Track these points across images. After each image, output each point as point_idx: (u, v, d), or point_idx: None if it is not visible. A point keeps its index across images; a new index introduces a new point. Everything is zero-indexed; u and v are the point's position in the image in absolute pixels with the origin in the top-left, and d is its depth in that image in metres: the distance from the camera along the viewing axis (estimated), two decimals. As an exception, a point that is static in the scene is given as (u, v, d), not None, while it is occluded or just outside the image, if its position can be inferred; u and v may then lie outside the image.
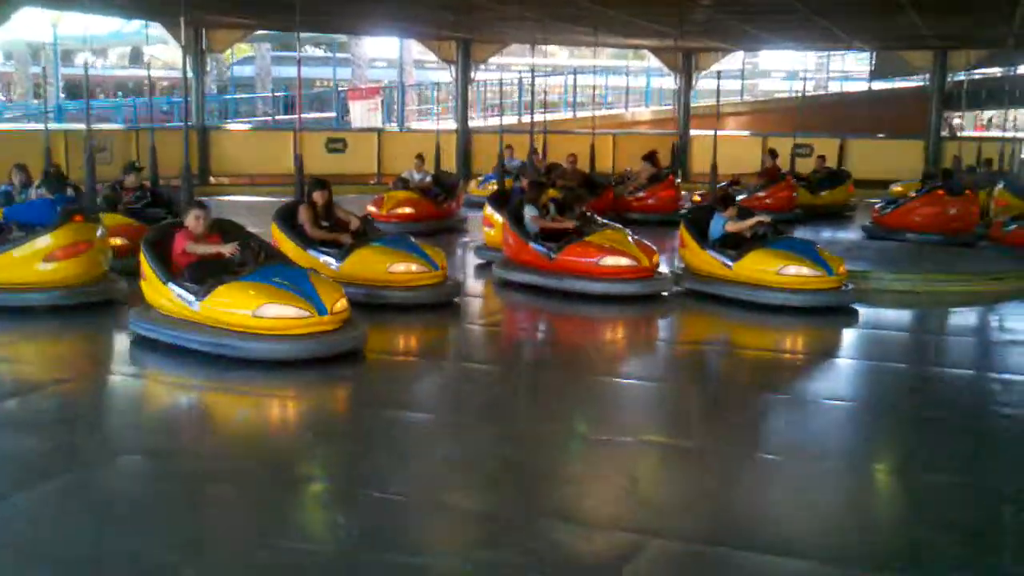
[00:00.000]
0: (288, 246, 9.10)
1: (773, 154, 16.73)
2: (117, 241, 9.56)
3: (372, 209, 13.55)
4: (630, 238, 9.87)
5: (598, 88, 28.18)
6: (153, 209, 11.13)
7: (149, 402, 6.79)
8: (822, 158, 18.37)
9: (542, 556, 4.28)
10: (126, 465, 5.35)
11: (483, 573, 4.21)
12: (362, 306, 8.29)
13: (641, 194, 15.49)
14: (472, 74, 21.91)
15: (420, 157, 15.39)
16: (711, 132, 15.59)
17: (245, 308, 7.03)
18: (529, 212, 10.14)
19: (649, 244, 9.93)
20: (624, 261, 9.56)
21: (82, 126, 19.66)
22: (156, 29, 18.99)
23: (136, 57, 43.13)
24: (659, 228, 13.67)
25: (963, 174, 15.78)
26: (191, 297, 7.25)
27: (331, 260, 9.02)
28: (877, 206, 14.82)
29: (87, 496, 4.91)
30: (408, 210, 13.75)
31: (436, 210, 14.19)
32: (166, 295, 7.45)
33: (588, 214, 10.49)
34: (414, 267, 9.00)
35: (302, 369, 7.06)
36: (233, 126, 24.78)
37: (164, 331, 7.40)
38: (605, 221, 10.54)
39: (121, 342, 8.00)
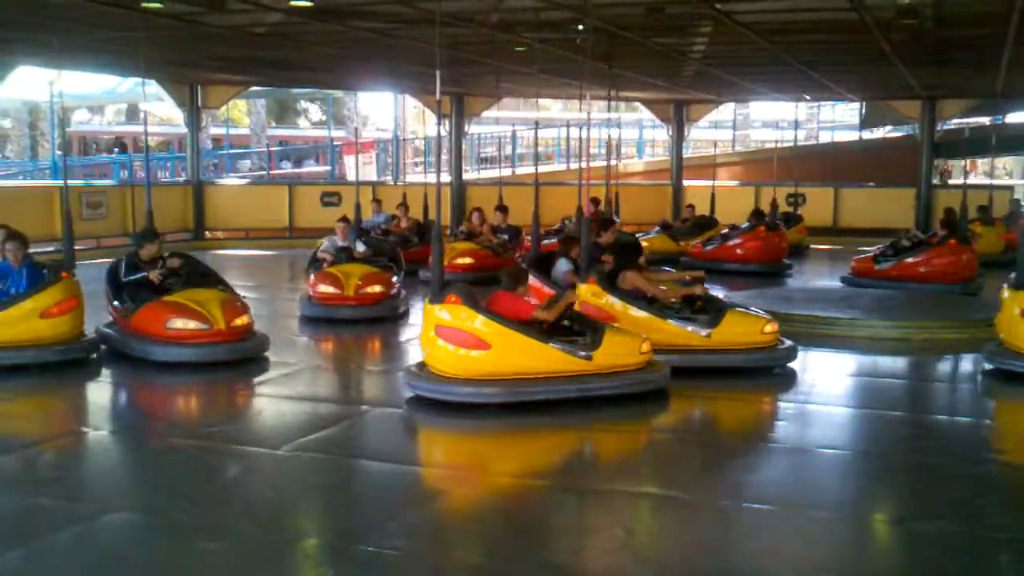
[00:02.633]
0: (629, 314, 8.59)
1: (595, 202, 17.33)
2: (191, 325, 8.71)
3: (330, 289, 11.21)
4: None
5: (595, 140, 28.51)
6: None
7: (139, 458, 6.74)
8: (691, 207, 19.07)
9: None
10: (114, 522, 5.30)
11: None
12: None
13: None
14: (466, 127, 22.11)
15: (346, 220, 12.67)
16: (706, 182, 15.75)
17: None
18: (563, 266, 9.93)
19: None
20: None
21: (79, 182, 19.87)
22: (152, 87, 19.20)
23: (132, 113, 43.40)
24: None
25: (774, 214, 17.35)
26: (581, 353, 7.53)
27: (700, 328, 8.58)
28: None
29: (75, 555, 4.85)
30: (378, 288, 11.38)
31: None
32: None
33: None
34: (776, 327, 8.81)
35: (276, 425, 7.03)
36: (228, 180, 24.90)
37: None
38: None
39: (107, 397, 8.00)
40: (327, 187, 22.05)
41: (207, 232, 20.37)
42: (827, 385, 8.65)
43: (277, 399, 8.01)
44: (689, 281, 9.35)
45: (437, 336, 7.48)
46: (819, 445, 6.85)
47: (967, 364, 9.68)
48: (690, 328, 8.53)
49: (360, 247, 12.23)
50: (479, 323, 7.36)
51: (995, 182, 20.14)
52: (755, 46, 12.37)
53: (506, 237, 15.34)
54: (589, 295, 8.64)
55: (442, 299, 7.48)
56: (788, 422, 7.63)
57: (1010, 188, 23.71)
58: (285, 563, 4.82)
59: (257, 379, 8.63)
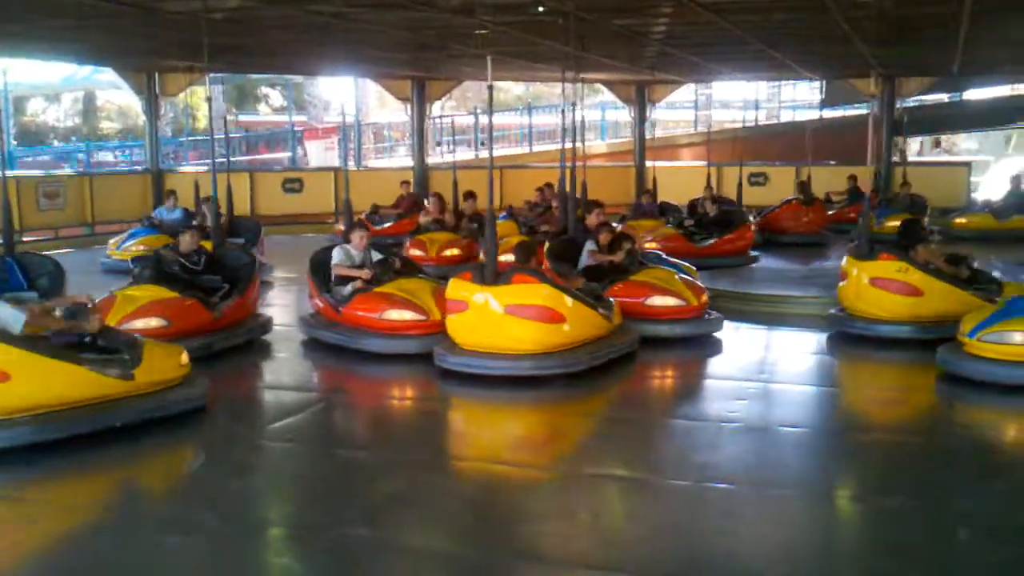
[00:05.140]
0: (936, 288, 8.95)
1: (407, 185, 17.99)
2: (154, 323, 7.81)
3: (408, 316, 8.58)
4: (677, 277, 9.50)
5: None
6: (207, 276, 8.83)
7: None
8: (549, 186, 18.34)
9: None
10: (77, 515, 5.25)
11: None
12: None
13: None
14: (428, 111, 21.96)
15: (363, 226, 9.77)
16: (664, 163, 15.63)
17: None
18: (588, 247, 9.76)
19: (698, 283, 9.62)
20: (672, 301, 9.18)
21: (34, 172, 19.62)
22: (108, 74, 18.91)
23: (89, 102, 42.66)
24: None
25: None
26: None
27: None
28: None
29: (41, 546, 4.80)
30: None
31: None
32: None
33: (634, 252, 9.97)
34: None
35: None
36: (187, 168, 24.59)
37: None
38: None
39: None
40: (289, 173, 21.83)
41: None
42: (788, 365, 8.72)
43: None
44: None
45: (509, 315, 7.68)
46: (779, 423, 6.91)
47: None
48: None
49: (380, 257, 9.49)
50: (557, 299, 7.80)
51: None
52: (715, 26, 12.37)
53: (475, 226, 13.87)
54: (894, 272, 8.86)
55: (509, 279, 7.76)
56: (749, 401, 7.68)
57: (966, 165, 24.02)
58: (248, 553, 4.80)
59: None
